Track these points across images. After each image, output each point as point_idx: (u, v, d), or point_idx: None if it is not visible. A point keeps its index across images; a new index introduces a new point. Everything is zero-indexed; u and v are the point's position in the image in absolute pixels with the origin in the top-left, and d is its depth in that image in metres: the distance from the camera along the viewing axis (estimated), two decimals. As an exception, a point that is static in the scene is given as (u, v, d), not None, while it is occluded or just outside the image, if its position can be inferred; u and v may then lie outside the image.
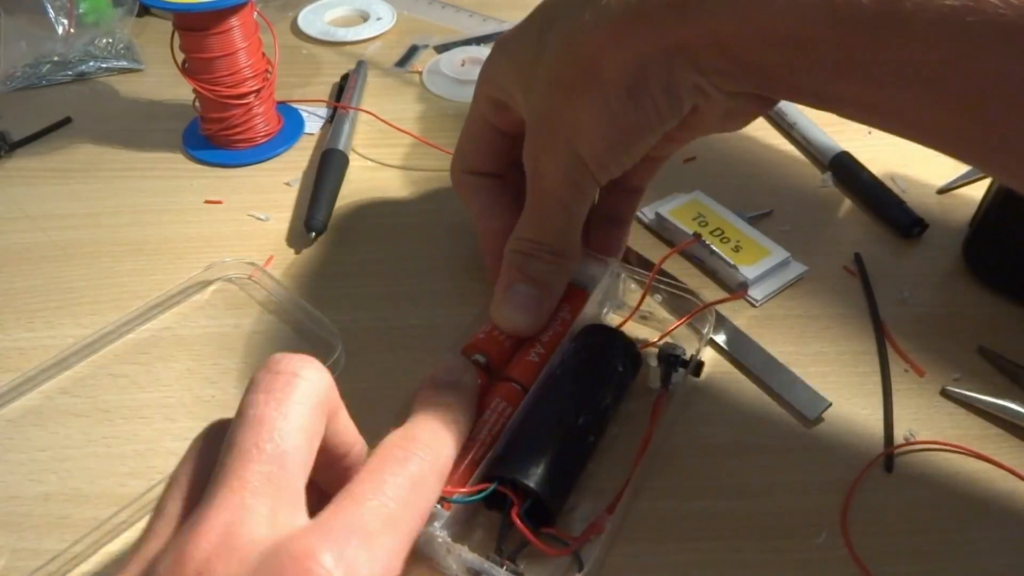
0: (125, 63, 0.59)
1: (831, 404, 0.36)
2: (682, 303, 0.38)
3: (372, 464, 0.24)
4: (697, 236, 0.40)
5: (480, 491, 0.29)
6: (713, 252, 0.41)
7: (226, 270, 0.42)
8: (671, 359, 0.36)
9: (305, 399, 0.23)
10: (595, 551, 0.30)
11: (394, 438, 0.26)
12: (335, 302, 0.41)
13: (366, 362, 0.38)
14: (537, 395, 0.33)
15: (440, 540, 0.29)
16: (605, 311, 0.40)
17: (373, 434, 0.32)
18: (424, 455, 0.25)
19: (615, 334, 0.36)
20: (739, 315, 0.41)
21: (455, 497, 0.29)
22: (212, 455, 0.23)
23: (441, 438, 0.27)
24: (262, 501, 0.21)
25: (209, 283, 0.42)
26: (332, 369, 0.36)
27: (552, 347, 0.35)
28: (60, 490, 0.33)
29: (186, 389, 0.37)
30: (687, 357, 0.36)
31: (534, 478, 0.30)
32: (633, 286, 0.40)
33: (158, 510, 0.23)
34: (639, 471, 0.32)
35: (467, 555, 0.29)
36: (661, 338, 0.38)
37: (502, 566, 0.29)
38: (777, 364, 0.38)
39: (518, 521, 0.29)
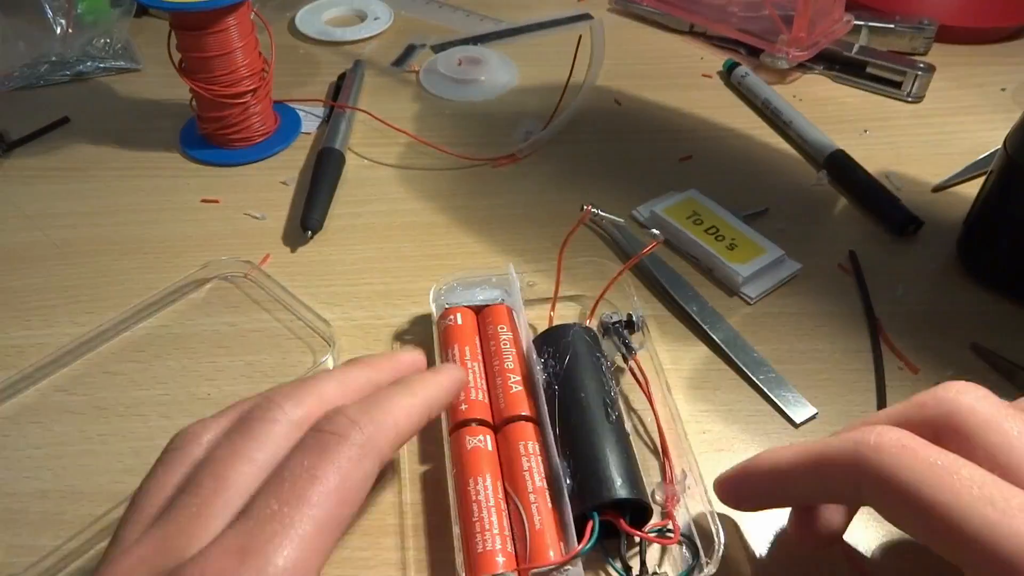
0: (123, 63, 0.59)
1: (816, 414, 0.36)
2: (590, 272, 0.40)
3: (276, 469, 0.24)
4: (587, 209, 0.38)
5: (591, 532, 0.29)
6: (598, 214, 0.38)
7: (222, 268, 0.42)
8: (615, 327, 0.36)
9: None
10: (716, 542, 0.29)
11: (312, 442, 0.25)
12: (331, 300, 0.41)
13: (361, 360, 0.38)
14: (557, 417, 0.32)
15: None
16: (518, 315, 0.38)
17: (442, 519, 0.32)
18: (351, 436, 0.24)
19: (574, 328, 0.35)
20: (733, 313, 0.41)
21: (580, 551, 0.28)
22: (175, 471, 0.25)
23: (380, 413, 0.26)
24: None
25: (205, 281, 0.42)
26: (326, 367, 0.37)
27: (522, 371, 0.35)
28: (56, 487, 0.33)
29: (182, 387, 0.37)
30: (626, 319, 0.36)
31: (624, 489, 0.29)
32: (530, 280, 0.40)
33: (115, 532, 0.24)
34: (665, 434, 0.33)
35: None
36: (591, 315, 0.38)
37: None
38: (767, 366, 0.38)
39: (636, 531, 0.29)
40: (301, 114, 0.55)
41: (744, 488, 0.29)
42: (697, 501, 0.31)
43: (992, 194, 0.41)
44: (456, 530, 0.30)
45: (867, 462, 0.23)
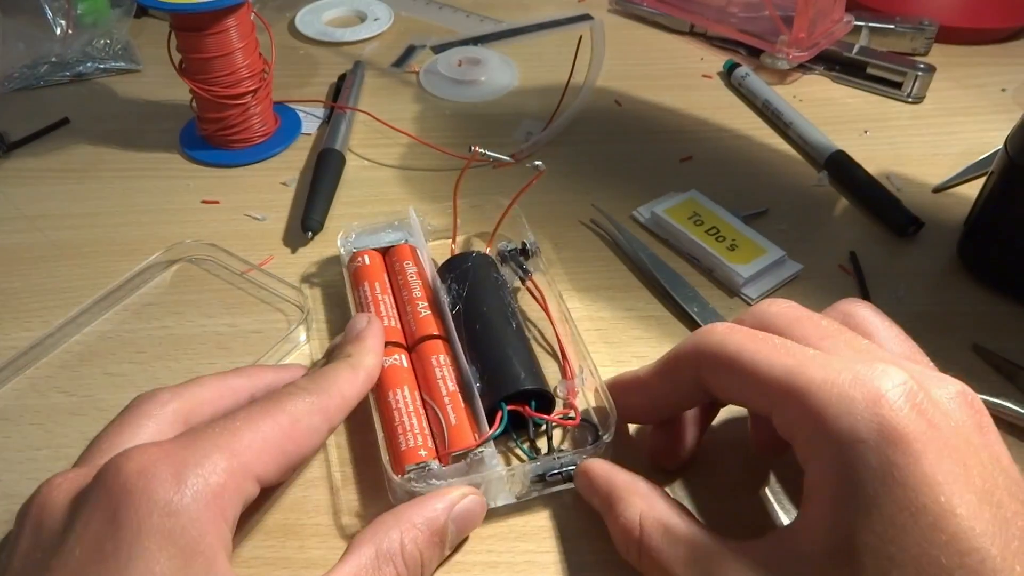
0: (123, 64, 0.59)
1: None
2: (489, 211, 0.42)
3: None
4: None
5: (501, 419, 0.32)
6: (484, 153, 0.40)
7: (221, 265, 0.42)
8: (511, 254, 0.40)
9: None
10: (610, 426, 0.32)
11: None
12: (331, 300, 0.41)
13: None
14: (463, 331, 0.35)
15: (496, 474, 0.31)
16: (422, 251, 0.41)
17: (365, 430, 0.32)
18: (301, 395, 0.28)
19: (473, 254, 0.39)
20: (734, 314, 0.41)
21: (491, 435, 0.31)
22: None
23: (326, 382, 0.30)
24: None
25: (204, 281, 0.42)
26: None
27: (429, 297, 0.38)
28: (56, 489, 0.33)
29: (183, 388, 0.37)
30: (521, 247, 0.40)
31: (528, 380, 0.33)
32: (430, 224, 0.43)
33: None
34: (562, 339, 0.37)
35: (528, 467, 0.31)
36: (490, 245, 0.42)
37: (556, 459, 0.31)
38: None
39: (540, 415, 0.33)
40: (301, 115, 0.55)
41: (616, 400, 0.33)
42: (593, 393, 0.35)
43: (993, 195, 0.41)
44: (380, 435, 0.32)
45: (702, 344, 0.28)
